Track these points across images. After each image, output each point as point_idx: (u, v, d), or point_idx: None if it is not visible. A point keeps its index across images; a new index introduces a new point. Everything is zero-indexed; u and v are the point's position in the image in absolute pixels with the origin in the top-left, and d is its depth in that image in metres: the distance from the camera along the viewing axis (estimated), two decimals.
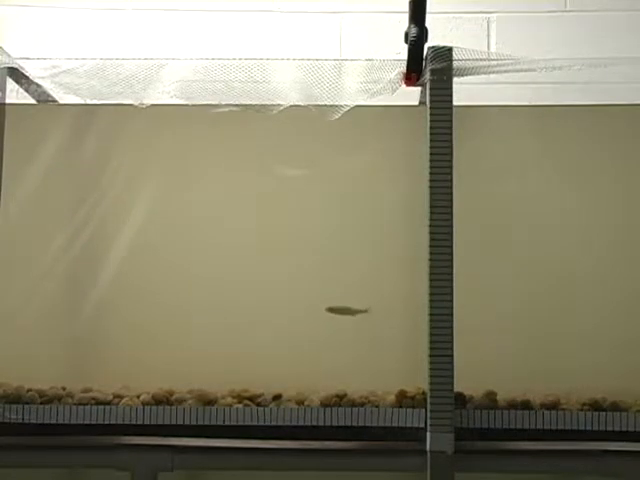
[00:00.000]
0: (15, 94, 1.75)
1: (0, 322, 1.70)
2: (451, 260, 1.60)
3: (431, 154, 1.62)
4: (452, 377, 1.58)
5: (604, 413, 1.61)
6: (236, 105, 1.66)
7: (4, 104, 1.73)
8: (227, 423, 1.63)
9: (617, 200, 1.73)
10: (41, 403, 1.65)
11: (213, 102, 1.66)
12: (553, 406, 1.63)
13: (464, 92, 1.67)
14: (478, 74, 1.67)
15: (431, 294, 1.60)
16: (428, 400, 1.59)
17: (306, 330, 1.72)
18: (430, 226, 1.61)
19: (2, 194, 1.72)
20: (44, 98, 1.79)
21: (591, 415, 1.61)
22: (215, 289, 1.72)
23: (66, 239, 1.72)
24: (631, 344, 1.69)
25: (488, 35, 2.17)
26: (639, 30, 2.15)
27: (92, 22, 2.21)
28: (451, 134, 1.62)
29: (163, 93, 1.65)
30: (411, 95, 1.75)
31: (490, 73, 1.70)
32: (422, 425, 1.61)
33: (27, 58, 1.73)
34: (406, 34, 1.66)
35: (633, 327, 1.69)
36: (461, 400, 1.63)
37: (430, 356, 1.59)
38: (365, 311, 1.69)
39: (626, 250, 1.72)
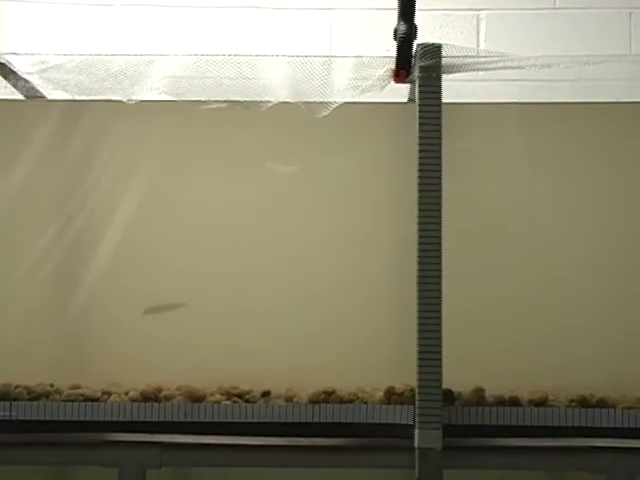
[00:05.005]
0: (3, 90, 1.74)
1: None
2: (440, 257, 1.60)
3: (420, 151, 1.62)
4: (440, 374, 1.58)
5: (592, 410, 1.62)
6: (225, 101, 1.66)
7: None
8: (216, 420, 1.63)
9: (606, 197, 1.74)
10: (29, 400, 1.64)
11: (202, 98, 1.66)
12: (541, 403, 1.64)
13: (453, 89, 1.67)
14: (467, 71, 1.67)
15: (420, 291, 1.60)
16: (416, 397, 1.59)
17: (294, 327, 1.72)
18: (419, 223, 1.61)
19: None
20: (32, 94, 1.78)
21: (579, 412, 1.62)
22: (203, 286, 1.72)
23: (54, 235, 1.72)
24: (619, 341, 1.69)
25: (477, 32, 2.18)
26: (627, 28, 2.15)
27: (80, 18, 2.20)
28: (440, 131, 1.62)
29: (152, 89, 1.65)
30: (400, 92, 1.75)
31: (479, 70, 1.69)
32: (410, 422, 1.61)
33: (15, 53, 1.72)
34: (395, 31, 1.65)
35: (621, 324, 1.70)
36: (449, 397, 1.63)
37: (419, 353, 1.59)
38: (183, 304, 1.68)
39: (615, 247, 1.72)
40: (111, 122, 1.74)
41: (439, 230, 1.60)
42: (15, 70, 1.72)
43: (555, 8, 2.18)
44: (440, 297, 1.59)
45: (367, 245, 1.73)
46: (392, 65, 1.66)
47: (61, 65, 1.69)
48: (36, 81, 1.72)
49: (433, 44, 1.63)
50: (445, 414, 1.60)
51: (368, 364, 1.69)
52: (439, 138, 1.62)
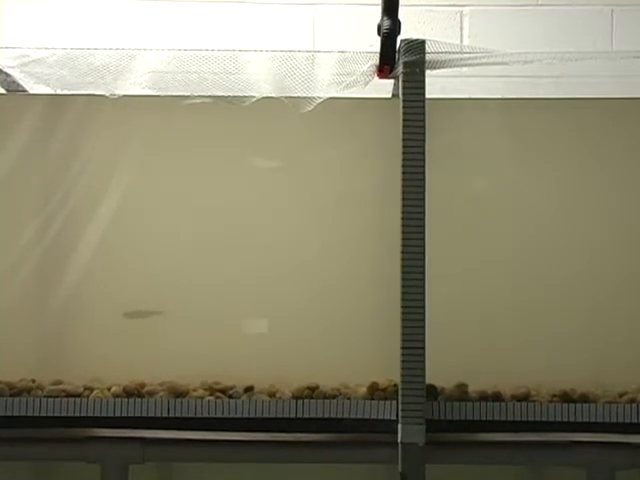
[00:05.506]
0: None
1: None
2: (423, 253, 1.60)
3: (404, 147, 1.62)
4: (423, 369, 1.58)
5: (573, 405, 1.63)
6: (208, 96, 1.65)
7: None
8: (198, 415, 1.62)
9: (590, 193, 1.74)
10: (10, 395, 1.63)
11: (185, 93, 1.65)
12: (523, 398, 1.64)
13: (437, 85, 1.67)
14: (451, 67, 1.67)
15: (403, 287, 1.60)
16: (399, 392, 1.60)
17: (278, 322, 1.72)
18: (403, 219, 1.61)
19: None
20: (14, 88, 1.77)
21: (561, 407, 1.62)
22: (186, 282, 1.72)
23: (35, 231, 1.71)
24: (601, 337, 1.70)
25: (461, 28, 2.18)
26: (609, 25, 2.16)
27: (62, 11, 2.18)
28: (424, 127, 1.62)
29: (135, 84, 1.64)
30: (384, 87, 1.75)
31: (463, 66, 1.70)
32: (394, 417, 1.61)
33: None
34: (379, 26, 1.65)
35: (602, 321, 1.71)
36: (432, 392, 1.64)
37: (402, 348, 1.59)
38: (160, 312, 1.68)
39: (600, 245, 1.73)
40: (93, 117, 1.73)
41: (423, 226, 1.60)
42: None
43: (538, 5, 2.19)
44: (424, 293, 1.59)
45: (350, 241, 1.73)
46: (376, 61, 1.66)
47: (43, 59, 1.68)
48: (17, 75, 1.70)
49: (417, 40, 1.64)
50: (428, 409, 1.61)
51: (352, 360, 1.69)
52: (423, 134, 1.62)
